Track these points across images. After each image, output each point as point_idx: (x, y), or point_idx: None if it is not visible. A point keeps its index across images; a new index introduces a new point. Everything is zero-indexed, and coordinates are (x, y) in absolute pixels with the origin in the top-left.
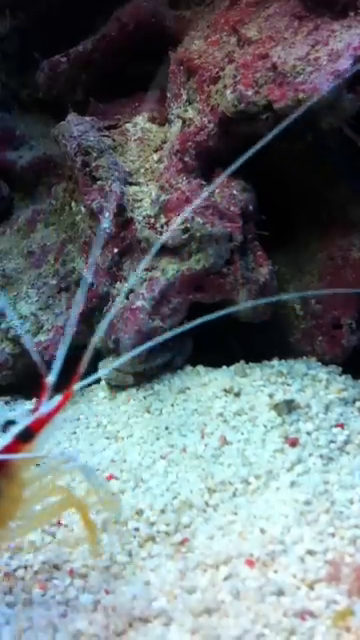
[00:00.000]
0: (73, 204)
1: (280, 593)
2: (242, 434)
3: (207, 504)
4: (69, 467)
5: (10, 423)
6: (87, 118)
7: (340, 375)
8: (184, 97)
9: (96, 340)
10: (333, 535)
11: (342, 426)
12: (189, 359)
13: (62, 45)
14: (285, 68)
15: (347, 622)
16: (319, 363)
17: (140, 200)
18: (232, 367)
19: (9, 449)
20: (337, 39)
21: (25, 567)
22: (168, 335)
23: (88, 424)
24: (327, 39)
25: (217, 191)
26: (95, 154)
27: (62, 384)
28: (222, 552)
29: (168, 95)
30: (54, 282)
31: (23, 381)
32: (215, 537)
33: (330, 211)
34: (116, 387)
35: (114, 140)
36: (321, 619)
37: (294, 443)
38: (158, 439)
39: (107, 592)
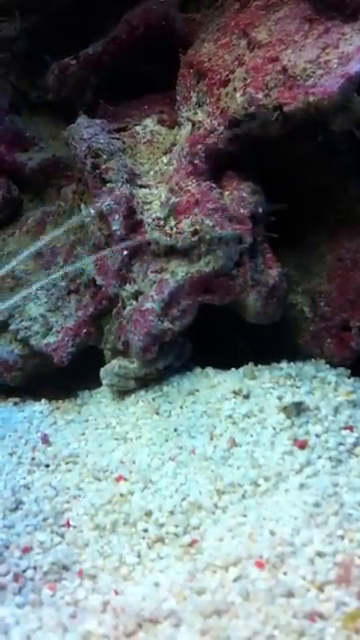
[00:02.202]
0: (82, 206)
1: (290, 595)
2: (251, 436)
3: (216, 506)
4: None
5: None
6: (97, 120)
7: (349, 377)
8: (194, 100)
9: None
10: (342, 537)
11: (351, 428)
12: (198, 361)
13: (72, 47)
14: (295, 71)
15: (357, 624)
16: (328, 365)
17: (150, 202)
18: (241, 369)
19: None
20: (347, 42)
21: (34, 568)
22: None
23: (97, 425)
24: (337, 42)
25: (227, 193)
26: (105, 156)
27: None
28: (231, 553)
29: (178, 98)
30: (63, 284)
31: (32, 382)
32: (224, 539)
33: (339, 213)
34: (119, 391)
35: (124, 142)
36: (331, 621)
37: (303, 445)
38: (167, 441)
39: (116, 593)
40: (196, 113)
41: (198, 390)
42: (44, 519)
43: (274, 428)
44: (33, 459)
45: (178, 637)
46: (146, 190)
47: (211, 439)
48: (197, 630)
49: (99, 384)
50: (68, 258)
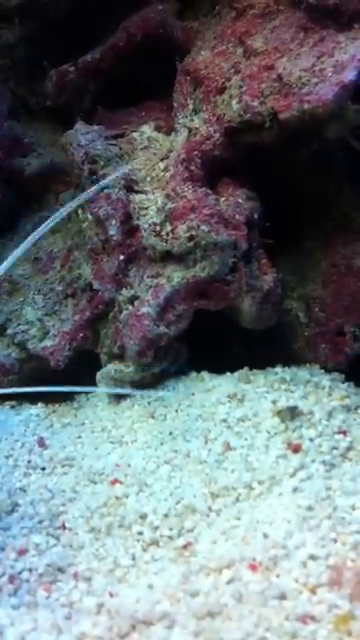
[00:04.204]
0: (80, 211)
1: (282, 597)
2: (245, 440)
3: (210, 509)
4: None
5: None
6: (94, 127)
7: (343, 382)
8: (190, 107)
9: None
10: (335, 540)
11: (345, 433)
12: (194, 365)
13: (71, 54)
14: (290, 79)
15: (348, 626)
16: (322, 370)
17: (146, 208)
18: (236, 373)
19: None
20: (342, 51)
21: (30, 569)
22: None
23: (93, 428)
24: (332, 50)
25: (222, 199)
26: (102, 162)
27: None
28: (225, 556)
29: (174, 105)
30: (60, 288)
31: (29, 386)
32: (218, 541)
33: (334, 219)
34: (115, 395)
35: (121, 149)
36: (323, 623)
37: (297, 449)
38: (162, 444)
39: (111, 595)
40: (193, 120)
41: (193, 394)
42: (40, 521)
43: (268, 432)
44: (29, 462)
45: (171, 638)
46: (143, 196)
47: (206, 443)
48: (190, 632)
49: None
50: (65, 263)
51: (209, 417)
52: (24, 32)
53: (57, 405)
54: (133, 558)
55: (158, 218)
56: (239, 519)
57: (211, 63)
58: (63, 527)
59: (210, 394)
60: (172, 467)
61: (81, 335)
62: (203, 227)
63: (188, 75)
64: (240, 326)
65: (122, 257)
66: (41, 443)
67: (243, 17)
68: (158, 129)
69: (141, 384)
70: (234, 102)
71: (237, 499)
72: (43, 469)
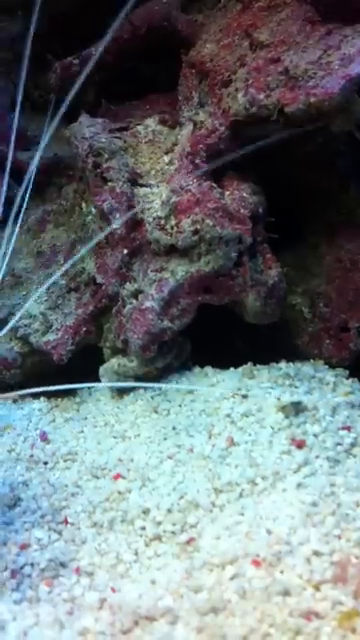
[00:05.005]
0: (83, 205)
1: (286, 593)
2: (249, 435)
3: (213, 504)
4: None
5: None
6: (99, 120)
7: (347, 378)
8: (195, 100)
9: None
10: (339, 537)
11: (349, 429)
12: (197, 360)
13: (74, 47)
14: (297, 72)
15: (353, 623)
16: (326, 366)
17: (151, 201)
18: (240, 369)
19: None
20: (349, 44)
21: (32, 564)
22: None
23: (96, 423)
24: (339, 44)
25: (227, 193)
26: (106, 155)
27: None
28: (228, 552)
29: (180, 98)
30: (63, 282)
31: (31, 380)
32: (221, 537)
33: (339, 214)
34: (118, 390)
35: (125, 142)
36: (327, 620)
37: (301, 445)
38: (165, 439)
39: (113, 590)
40: (198, 113)
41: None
42: (42, 516)
43: (272, 427)
44: (32, 456)
45: (174, 634)
46: (147, 189)
47: (209, 438)
48: (193, 628)
49: (98, 382)
50: (68, 257)
51: (213, 412)
52: (28, 25)
53: (60, 399)
54: (136, 553)
55: (162, 212)
56: (243, 515)
57: (217, 56)
58: (65, 522)
59: (214, 389)
60: (175, 462)
61: (84, 329)
62: (208, 221)
63: (193, 68)
64: (244, 321)
65: (126, 251)
66: (43, 437)
67: (249, 10)
68: (163, 122)
69: (144, 379)
70: (240, 95)
71: (241, 495)
72: (45, 463)
